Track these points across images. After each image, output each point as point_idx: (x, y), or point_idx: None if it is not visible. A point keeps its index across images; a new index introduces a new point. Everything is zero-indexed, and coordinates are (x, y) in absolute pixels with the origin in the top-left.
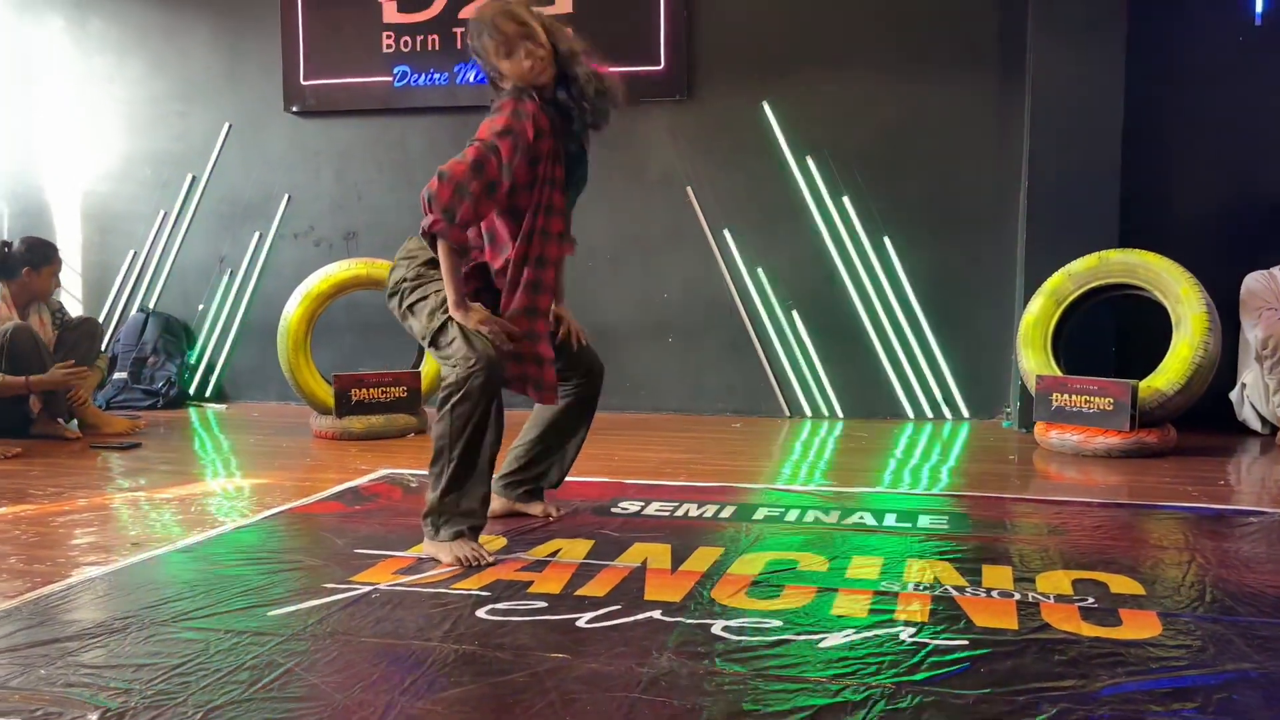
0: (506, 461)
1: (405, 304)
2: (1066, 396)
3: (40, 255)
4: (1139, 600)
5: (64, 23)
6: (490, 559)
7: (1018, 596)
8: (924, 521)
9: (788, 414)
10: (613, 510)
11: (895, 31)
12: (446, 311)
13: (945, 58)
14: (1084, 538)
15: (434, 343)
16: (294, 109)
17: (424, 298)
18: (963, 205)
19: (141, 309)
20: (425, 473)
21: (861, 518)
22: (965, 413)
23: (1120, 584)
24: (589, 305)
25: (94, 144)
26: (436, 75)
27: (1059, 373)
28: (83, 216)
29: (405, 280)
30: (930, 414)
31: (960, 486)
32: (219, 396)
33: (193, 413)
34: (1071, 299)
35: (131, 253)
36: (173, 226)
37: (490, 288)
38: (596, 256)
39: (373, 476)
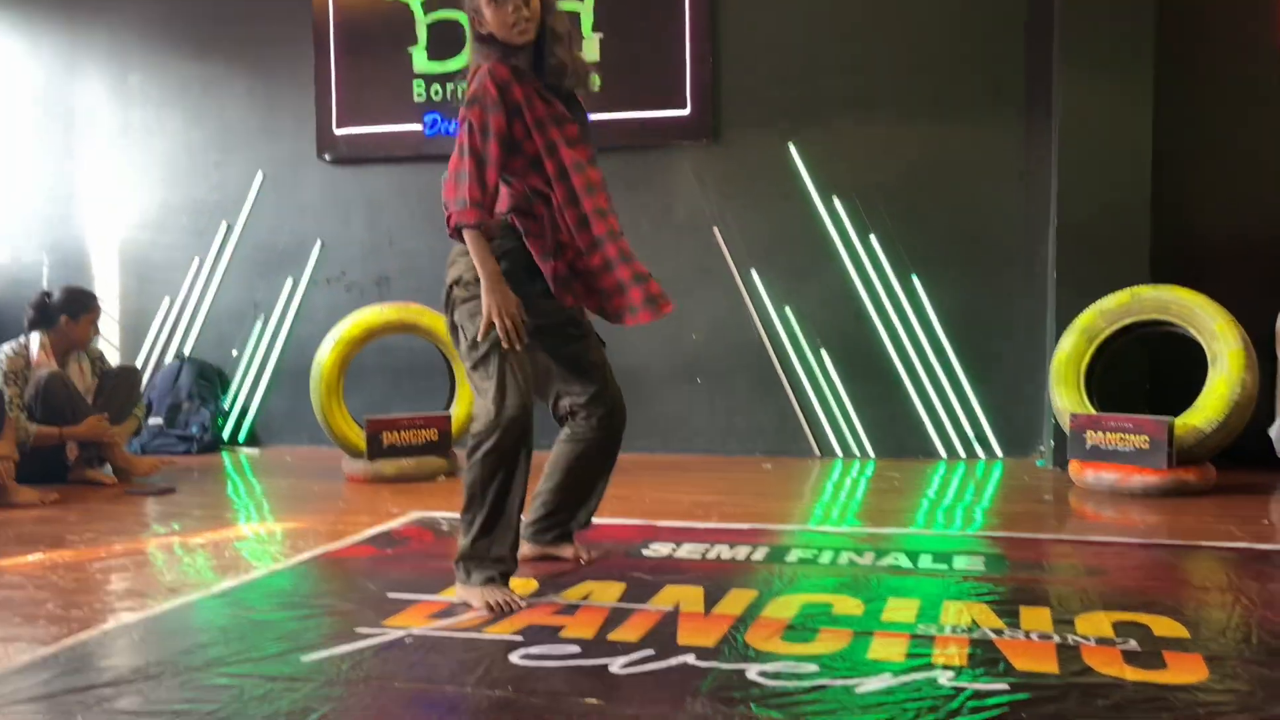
0: (533, 507)
1: (455, 313)
2: (1101, 434)
3: (78, 304)
4: (1183, 643)
5: (105, 78)
6: (522, 604)
7: (1058, 639)
8: (960, 563)
9: (818, 454)
10: (644, 553)
11: (920, 71)
12: (493, 340)
13: (971, 96)
14: (1124, 578)
15: (474, 367)
16: (327, 157)
17: (474, 315)
18: (991, 243)
19: (177, 355)
20: (456, 516)
21: (896, 559)
22: (998, 451)
23: (1163, 626)
24: (616, 347)
25: (132, 194)
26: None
27: (1093, 410)
28: (121, 265)
29: (460, 282)
30: (963, 453)
31: (995, 526)
32: (252, 441)
33: (226, 457)
34: (1104, 336)
35: (168, 300)
36: (208, 273)
37: (530, 266)
38: None
39: (404, 520)
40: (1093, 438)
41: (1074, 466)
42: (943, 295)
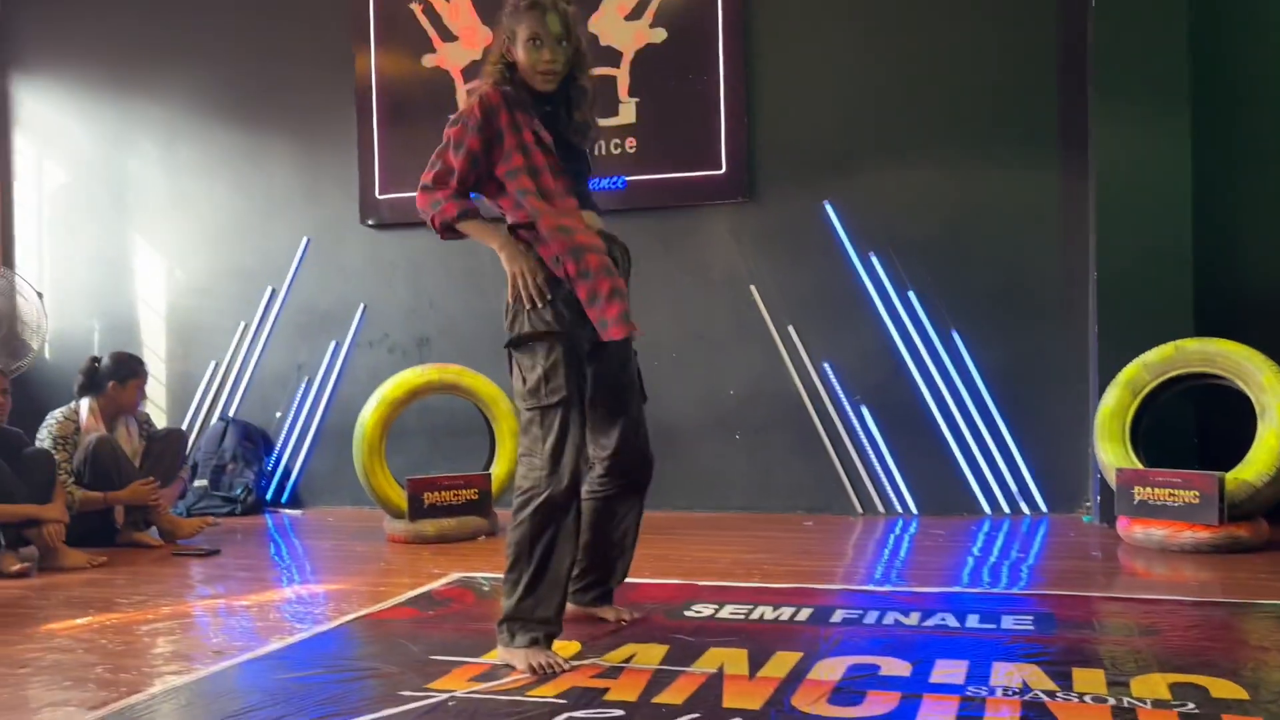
0: None
1: (513, 347)
2: (1149, 490)
3: (125, 370)
4: (1243, 706)
5: (156, 149)
6: (565, 667)
7: (1113, 702)
8: (1008, 622)
9: (860, 511)
10: (686, 613)
11: (954, 125)
12: (553, 393)
13: (1006, 148)
14: (1178, 638)
15: (532, 415)
16: (370, 222)
17: (534, 362)
18: (1031, 296)
19: (222, 417)
20: (497, 577)
21: (943, 619)
22: (1043, 507)
23: (1221, 688)
24: (653, 402)
25: (181, 261)
26: None
27: (1139, 465)
28: (168, 330)
29: (516, 325)
30: (1007, 509)
31: (1043, 585)
32: (295, 502)
33: (269, 518)
34: (1148, 390)
35: (213, 363)
36: (253, 337)
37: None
38: (661, 355)
39: (446, 581)
40: (1140, 493)
41: (1122, 523)
42: (983, 349)
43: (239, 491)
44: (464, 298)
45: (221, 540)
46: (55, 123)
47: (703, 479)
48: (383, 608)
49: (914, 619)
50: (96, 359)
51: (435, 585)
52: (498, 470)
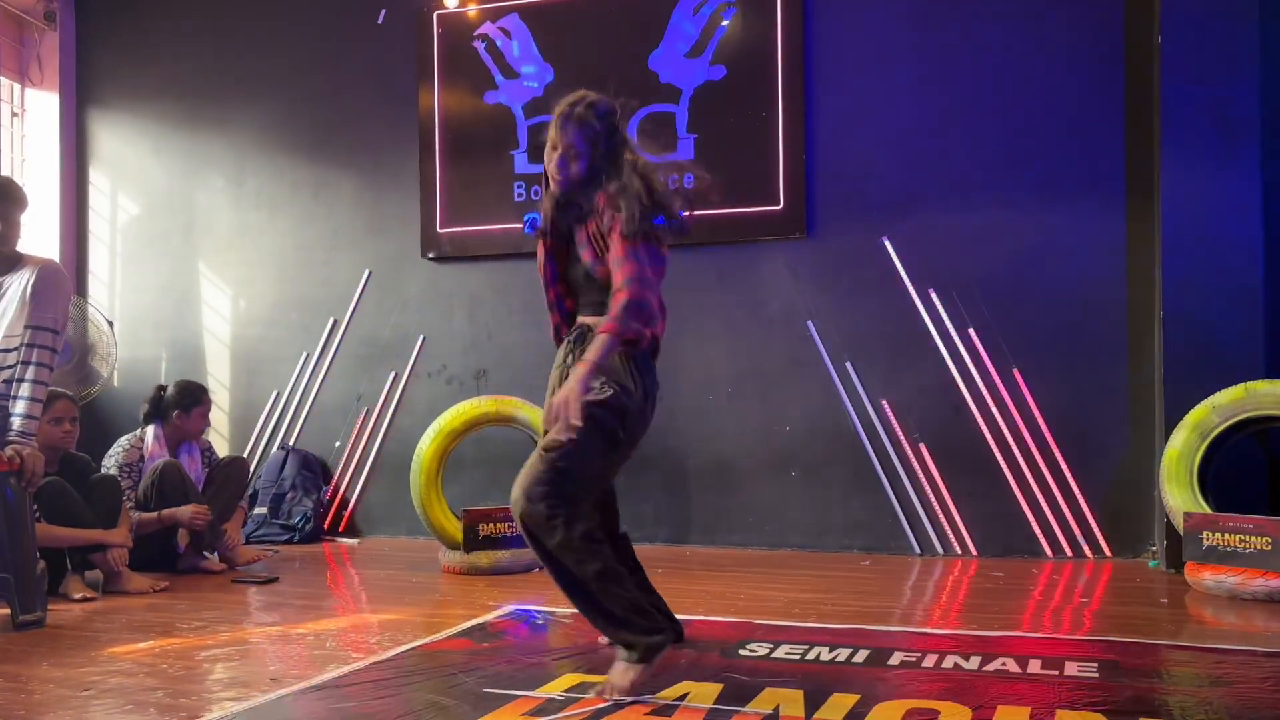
0: None
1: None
2: (1219, 535)
3: (190, 398)
4: None
5: (224, 182)
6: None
7: None
8: (1071, 669)
9: (918, 551)
10: (741, 652)
11: (1017, 162)
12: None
13: (1070, 185)
14: (1252, 690)
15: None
16: (430, 255)
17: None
18: (1095, 335)
19: (282, 446)
20: (551, 610)
21: (1004, 664)
22: (1107, 551)
23: None
24: (709, 437)
25: (246, 292)
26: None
27: (1208, 510)
28: (232, 359)
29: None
30: (1069, 552)
31: (1107, 631)
32: (352, 531)
33: (326, 547)
34: (1217, 432)
35: (275, 392)
36: (314, 367)
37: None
38: (716, 390)
39: (500, 613)
40: (1209, 538)
41: (1190, 569)
42: (1045, 388)
43: (298, 520)
44: (521, 330)
45: (280, 568)
46: (129, 157)
47: (758, 516)
48: (437, 639)
49: (974, 663)
50: (163, 387)
51: (489, 617)
52: None
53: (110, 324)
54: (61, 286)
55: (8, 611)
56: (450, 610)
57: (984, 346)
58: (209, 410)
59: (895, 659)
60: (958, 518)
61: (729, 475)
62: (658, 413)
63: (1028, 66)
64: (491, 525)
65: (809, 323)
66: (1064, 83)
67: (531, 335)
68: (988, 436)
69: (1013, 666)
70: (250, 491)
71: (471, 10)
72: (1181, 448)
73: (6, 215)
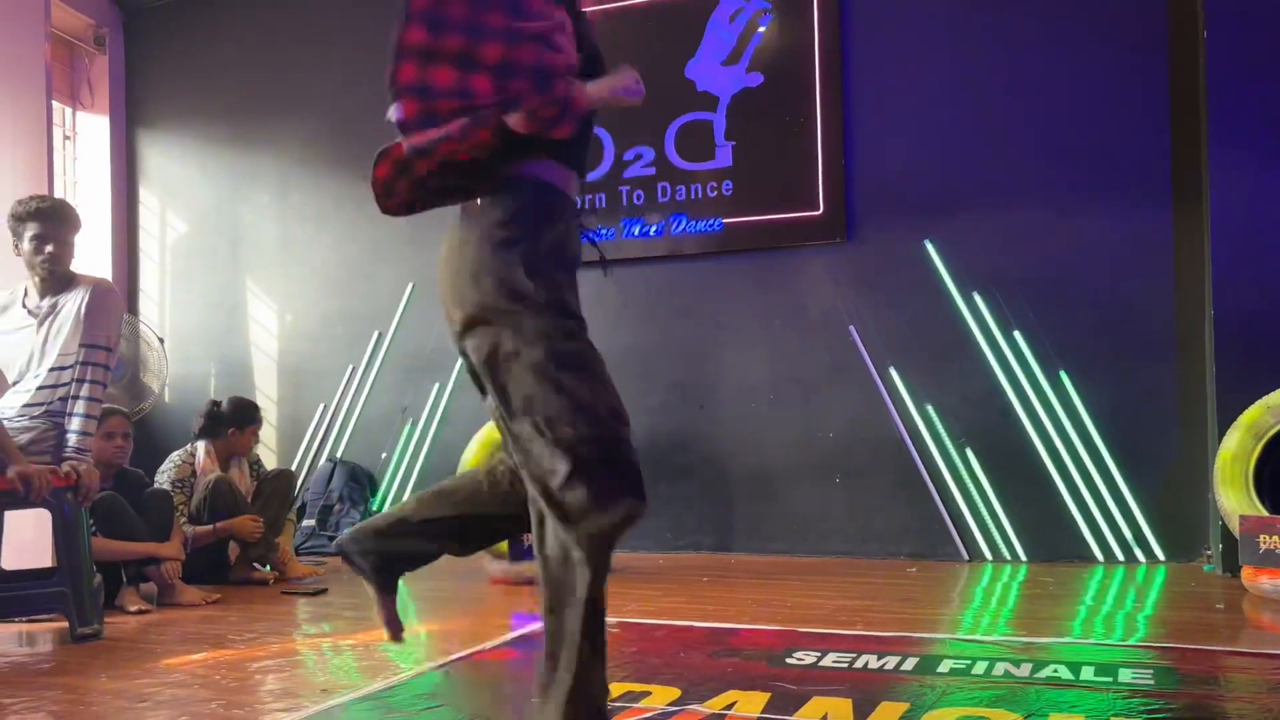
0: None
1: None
2: (1276, 538)
3: (245, 416)
4: None
5: (269, 198)
6: None
7: None
8: (1125, 676)
9: (966, 557)
10: (788, 660)
11: (1060, 160)
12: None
13: (1115, 183)
14: None
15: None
16: None
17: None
18: (1143, 335)
19: (329, 458)
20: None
21: (1055, 671)
22: (1160, 555)
23: None
24: (750, 444)
25: (292, 306)
26: (604, 230)
27: (1264, 512)
28: (279, 373)
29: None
30: (1121, 556)
31: (1162, 637)
32: None
33: None
34: (1273, 433)
35: (322, 405)
36: (359, 380)
37: None
38: (757, 396)
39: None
40: (1266, 541)
41: (1247, 573)
42: (1093, 390)
43: (345, 531)
44: None
45: (328, 579)
46: (177, 176)
47: (802, 523)
48: (484, 649)
49: (1025, 670)
50: (217, 403)
51: (535, 627)
52: None
53: (161, 340)
54: (114, 305)
55: (66, 624)
56: (497, 620)
57: (1029, 349)
58: (260, 428)
59: (944, 666)
60: (1006, 523)
61: (771, 482)
62: (698, 415)
63: (1070, 64)
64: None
65: (850, 327)
66: (1107, 80)
67: None
68: (1035, 440)
69: (1065, 674)
70: (298, 504)
71: None
72: (1236, 449)
73: (60, 237)
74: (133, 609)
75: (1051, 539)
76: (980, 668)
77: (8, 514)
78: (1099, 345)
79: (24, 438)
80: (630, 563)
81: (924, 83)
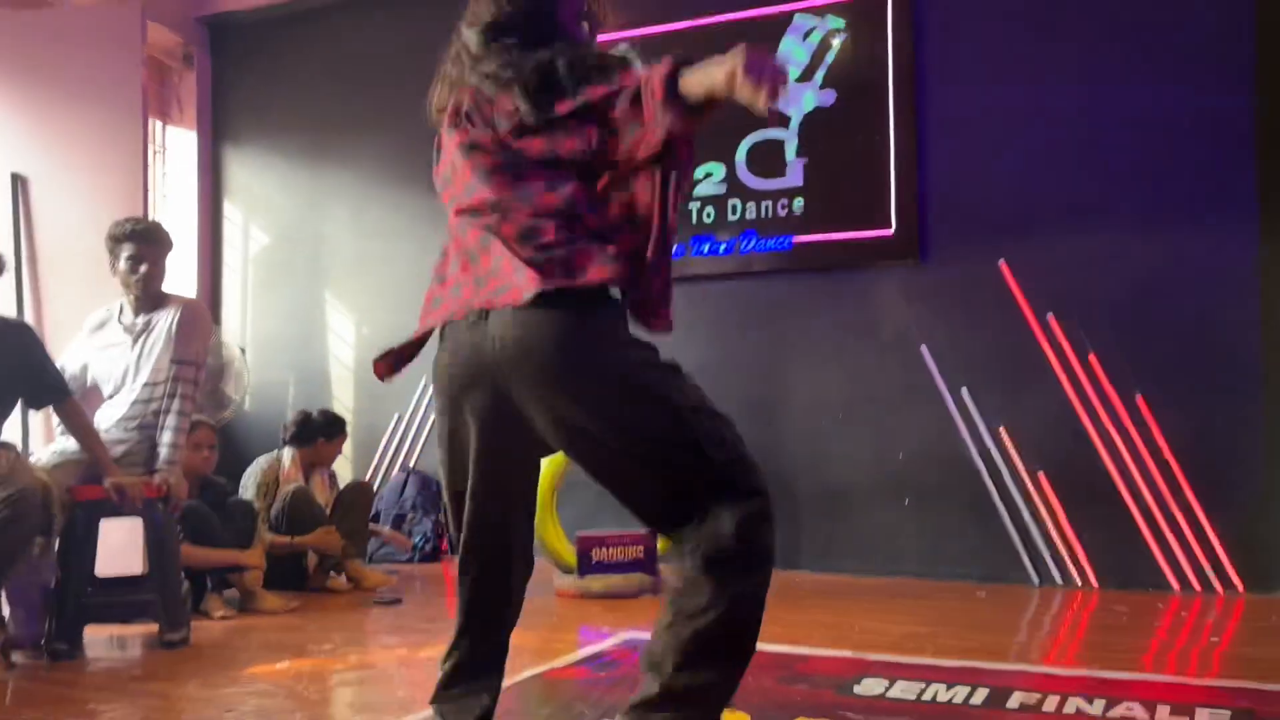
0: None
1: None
2: None
3: (335, 428)
4: None
5: (347, 214)
6: None
7: None
8: (1203, 716)
9: (1036, 582)
10: (856, 689)
11: (1141, 180)
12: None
13: (1198, 203)
14: None
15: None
16: None
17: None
18: (1224, 361)
19: (403, 468)
20: None
21: (1130, 709)
22: (1239, 586)
23: None
24: (819, 462)
25: (368, 318)
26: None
27: None
28: (355, 383)
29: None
30: (1198, 586)
31: (1240, 674)
32: None
33: (445, 567)
34: None
35: (396, 415)
36: (434, 391)
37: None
38: (827, 415)
39: (615, 641)
40: None
41: None
42: (1171, 416)
43: (418, 540)
44: None
45: (401, 588)
46: (260, 191)
47: (871, 543)
48: (555, 666)
49: (1098, 707)
50: (308, 413)
51: (606, 645)
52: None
53: (242, 351)
54: (203, 324)
55: (155, 629)
56: (565, 635)
57: (1105, 372)
58: (345, 440)
59: (1014, 701)
60: (1078, 548)
61: (840, 501)
62: (767, 433)
63: (1151, 81)
64: (604, 550)
65: (923, 347)
66: (1190, 98)
67: None
68: (1109, 465)
69: (1140, 712)
70: (372, 513)
71: None
72: None
73: (154, 257)
74: (217, 615)
75: (1125, 565)
76: (1051, 703)
77: (102, 522)
78: (1178, 371)
79: (118, 450)
80: None
81: (999, 101)
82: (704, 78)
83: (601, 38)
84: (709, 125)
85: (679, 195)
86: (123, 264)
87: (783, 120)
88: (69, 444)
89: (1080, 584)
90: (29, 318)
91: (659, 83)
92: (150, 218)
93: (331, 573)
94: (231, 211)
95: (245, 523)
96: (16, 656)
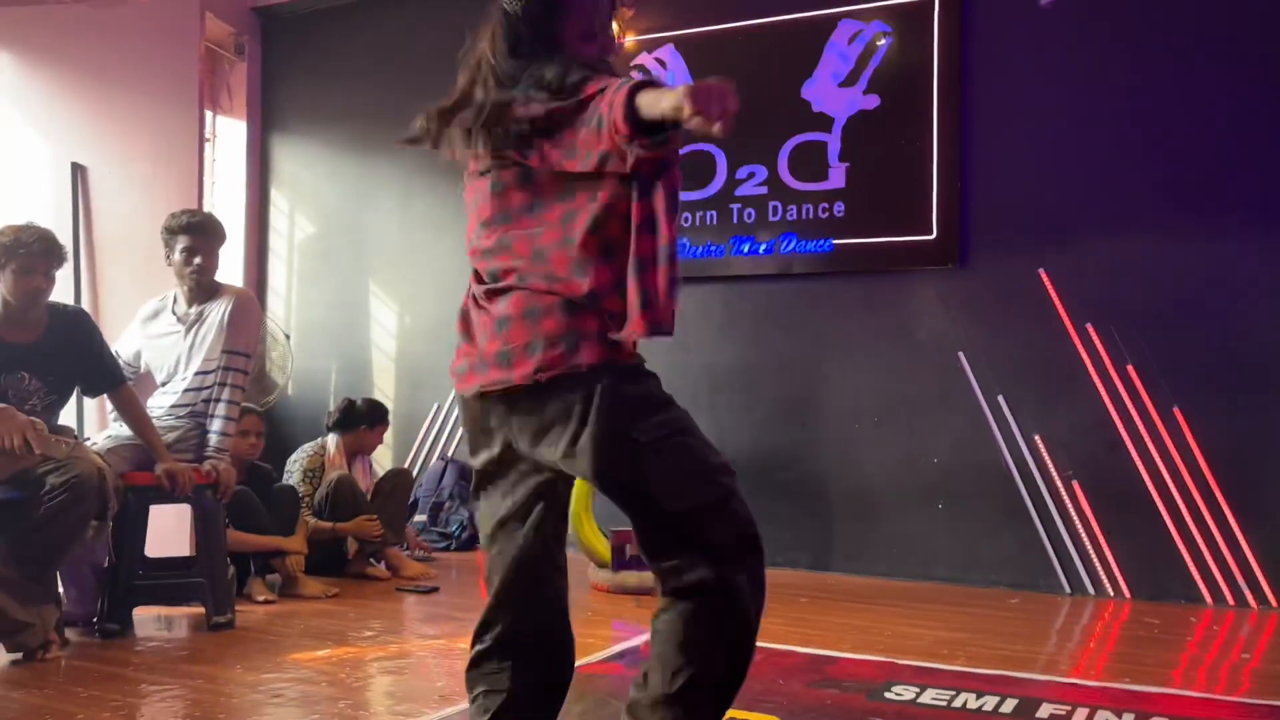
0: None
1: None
2: None
3: (377, 416)
4: None
5: (393, 205)
6: None
7: None
8: None
9: (1068, 590)
10: (887, 695)
11: (1183, 190)
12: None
13: (1240, 214)
14: None
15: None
16: None
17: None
18: (1264, 374)
19: (441, 457)
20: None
21: None
22: (1273, 601)
23: None
24: (853, 464)
25: (410, 308)
26: (712, 248)
27: None
28: (396, 372)
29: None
30: (1231, 600)
31: (1273, 692)
32: None
33: (480, 556)
34: None
35: (436, 405)
36: None
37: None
38: (862, 417)
39: (648, 637)
40: None
41: None
42: (1208, 428)
43: (455, 528)
44: (667, 353)
45: (439, 578)
46: (306, 180)
47: (903, 546)
48: (590, 661)
49: None
50: (353, 400)
51: (639, 641)
52: None
53: (287, 336)
54: (254, 315)
55: (200, 610)
56: (600, 631)
57: (1143, 383)
58: (387, 429)
59: (1044, 711)
60: (1110, 557)
61: (873, 503)
62: (802, 433)
63: (1194, 92)
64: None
65: (960, 353)
66: (1233, 109)
67: (677, 359)
68: (1145, 476)
69: None
70: (411, 500)
71: (629, 41)
72: None
73: (208, 249)
74: (260, 599)
75: (1158, 576)
76: (1081, 715)
77: (152, 506)
78: (1217, 383)
79: (170, 436)
80: None
81: (1043, 109)
82: (655, 99)
83: (646, 37)
84: (751, 127)
85: (670, 202)
86: (177, 255)
87: (824, 123)
88: (122, 429)
89: (1112, 594)
90: (85, 304)
91: (621, 100)
92: (205, 210)
93: (371, 560)
94: (278, 199)
95: (289, 508)
96: (70, 634)
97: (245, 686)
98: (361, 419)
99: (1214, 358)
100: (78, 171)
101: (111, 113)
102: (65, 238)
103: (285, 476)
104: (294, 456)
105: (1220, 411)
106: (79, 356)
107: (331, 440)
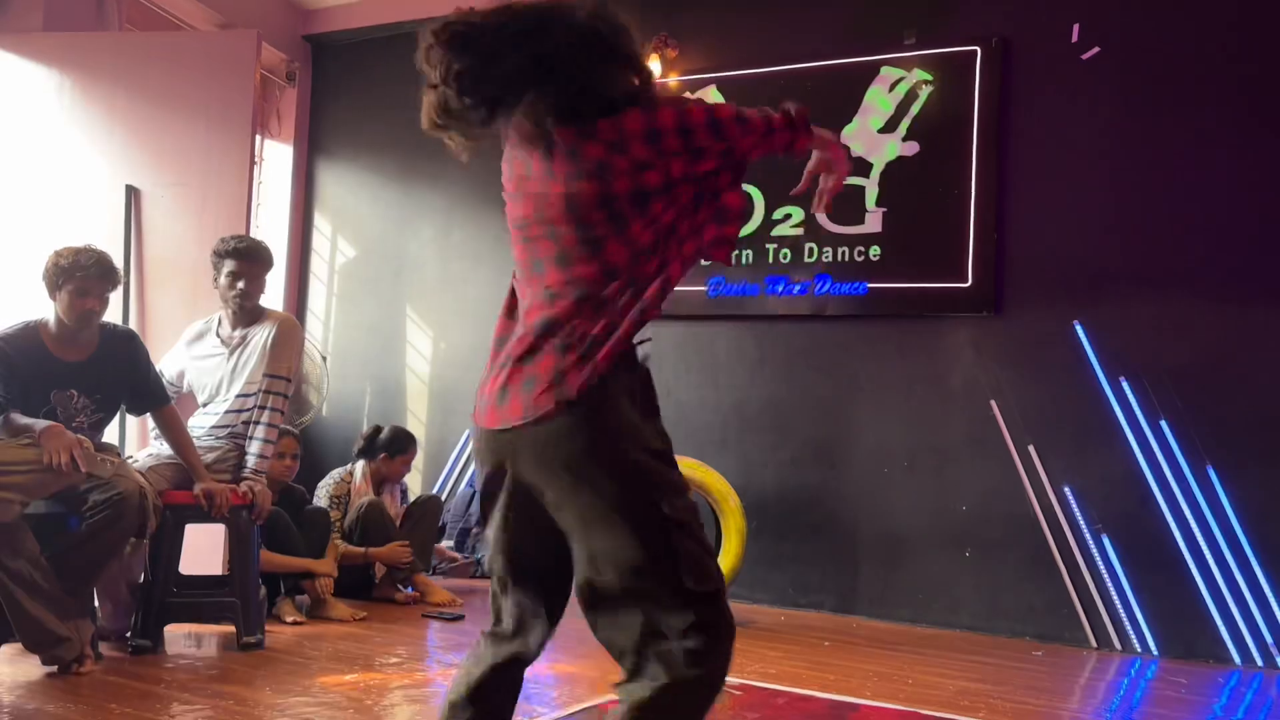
0: None
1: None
2: None
3: (398, 446)
4: None
5: (433, 232)
6: None
7: None
8: None
9: (1094, 644)
10: None
11: (1221, 248)
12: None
13: (1276, 276)
14: None
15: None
16: None
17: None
18: None
19: (470, 483)
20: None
21: None
22: None
23: None
24: (881, 508)
25: (445, 335)
26: (748, 285)
27: None
28: (430, 397)
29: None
30: (1260, 662)
31: None
32: None
33: None
34: None
35: (466, 432)
36: None
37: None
38: (891, 461)
39: None
40: None
41: None
42: (1241, 486)
43: (481, 555)
44: (699, 389)
45: (464, 604)
46: (349, 205)
47: (929, 593)
48: (612, 699)
49: None
50: (379, 428)
51: None
52: (723, 565)
53: (324, 358)
54: (296, 339)
55: (230, 629)
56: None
57: (1176, 439)
58: (413, 459)
59: None
60: (1138, 614)
61: (900, 548)
62: (830, 475)
63: (1235, 149)
64: None
65: (992, 401)
66: (1273, 166)
67: (708, 394)
68: (1175, 532)
69: None
70: (439, 524)
71: (672, 81)
72: None
73: (255, 274)
74: (289, 619)
75: (1186, 635)
76: None
77: (188, 526)
78: (1253, 442)
79: (209, 456)
80: (752, 616)
81: (1083, 161)
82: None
83: (688, 78)
84: (790, 168)
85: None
86: (224, 279)
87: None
88: (163, 448)
89: (1140, 650)
90: (133, 324)
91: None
92: (253, 236)
93: (399, 585)
94: (321, 223)
95: (320, 531)
96: (102, 648)
97: (273, 710)
98: (383, 447)
99: (1251, 419)
100: (131, 194)
101: (166, 136)
102: (118, 259)
103: (314, 501)
104: (322, 482)
105: (1254, 471)
106: (126, 376)
107: (359, 468)
